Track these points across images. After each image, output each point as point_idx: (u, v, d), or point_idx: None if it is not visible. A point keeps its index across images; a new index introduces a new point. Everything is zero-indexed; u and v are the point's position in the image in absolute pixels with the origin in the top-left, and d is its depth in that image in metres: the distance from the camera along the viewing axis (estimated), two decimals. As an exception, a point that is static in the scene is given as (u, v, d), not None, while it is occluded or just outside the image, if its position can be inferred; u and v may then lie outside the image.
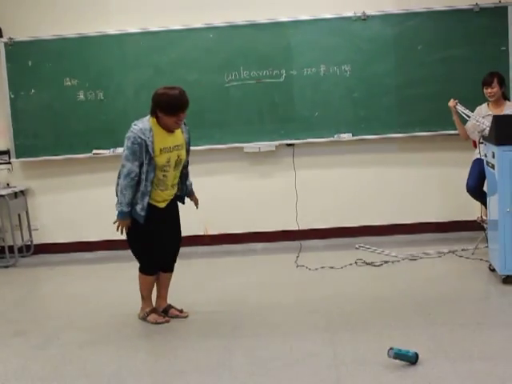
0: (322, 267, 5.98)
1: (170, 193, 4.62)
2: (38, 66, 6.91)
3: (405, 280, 5.49)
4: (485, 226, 5.79)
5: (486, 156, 5.46)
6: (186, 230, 7.06)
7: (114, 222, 4.51)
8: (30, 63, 6.91)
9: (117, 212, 4.48)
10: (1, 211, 7.00)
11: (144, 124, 4.38)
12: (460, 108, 5.93)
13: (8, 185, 7.22)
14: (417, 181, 7.02)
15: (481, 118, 5.79)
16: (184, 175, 4.79)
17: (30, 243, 7.33)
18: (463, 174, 6.08)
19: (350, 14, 6.75)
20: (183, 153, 4.61)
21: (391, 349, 3.71)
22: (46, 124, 6.99)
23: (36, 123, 7.00)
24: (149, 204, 4.47)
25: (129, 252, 4.76)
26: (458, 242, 6.38)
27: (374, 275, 5.71)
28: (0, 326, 4.98)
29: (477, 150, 5.97)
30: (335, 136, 6.84)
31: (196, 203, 5.00)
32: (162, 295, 4.91)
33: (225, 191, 7.07)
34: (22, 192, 7.20)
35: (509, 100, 6.11)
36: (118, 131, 6.85)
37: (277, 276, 5.95)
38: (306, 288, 5.47)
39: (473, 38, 6.67)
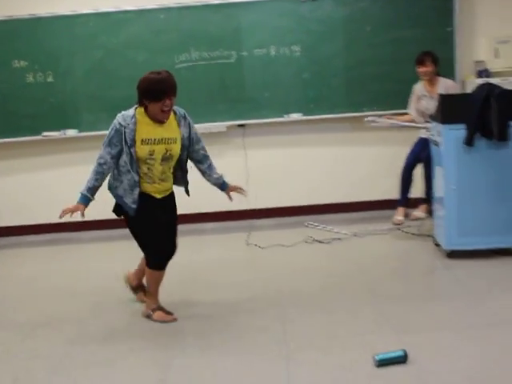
0: (273, 245, 6.07)
1: (160, 187, 4.27)
2: (-15, 47, 6.81)
3: (353, 256, 5.61)
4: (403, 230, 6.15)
5: (432, 135, 5.60)
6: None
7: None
8: (-23, 44, 6.80)
9: None
10: (-51, 194, 6.92)
11: (128, 111, 4.11)
12: (380, 120, 6.15)
13: (-44, 168, 7.13)
14: (367, 160, 7.13)
15: (394, 121, 6.19)
16: (183, 171, 4.44)
17: (-22, 226, 7.26)
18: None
19: (299, -5, 6.80)
20: (175, 147, 4.19)
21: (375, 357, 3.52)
22: (-7, 106, 6.91)
23: (-17, 105, 6.90)
24: (143, 194, 4.20)
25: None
26: (405, 219, 6.47)
27: (323, 252, 5.81)
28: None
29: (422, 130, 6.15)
30: (285, 116, 6.91)
31: (237, 191, 4.72)
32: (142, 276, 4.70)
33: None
34: (-30, 175, 7.12)
35: (442, 76, 6.22)
36: (68, 113, 6.87)
37: (228, 255, 6.02)
38: (256, 266, 5.55)
39: (420, 19, 6.78)
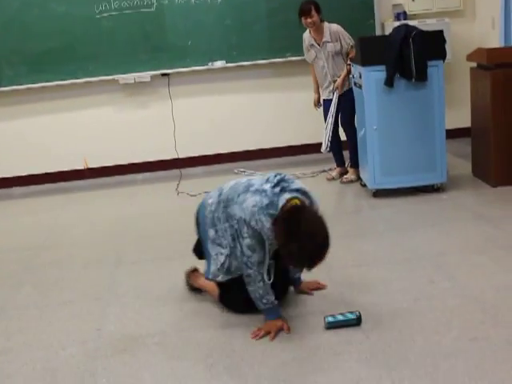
0: (203, 192, 6.12)
1: None
2: None
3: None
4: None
5: (353, 77, 5.72)
6: (65, 164, 7.08)
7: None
8: None
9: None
10: None
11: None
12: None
13: None
14: (290, 105, 7.20)
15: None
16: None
17: None
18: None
19: None
20: None
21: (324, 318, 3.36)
22: None
23: None
24: None
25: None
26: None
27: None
28: None
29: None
30: (209, 64, 6.91)
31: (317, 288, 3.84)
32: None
33: (102, 124, 7.01)
34: None
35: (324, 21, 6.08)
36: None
37: (158, 204, 6.09)
38: (186, 214, 5.59)
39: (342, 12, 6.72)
